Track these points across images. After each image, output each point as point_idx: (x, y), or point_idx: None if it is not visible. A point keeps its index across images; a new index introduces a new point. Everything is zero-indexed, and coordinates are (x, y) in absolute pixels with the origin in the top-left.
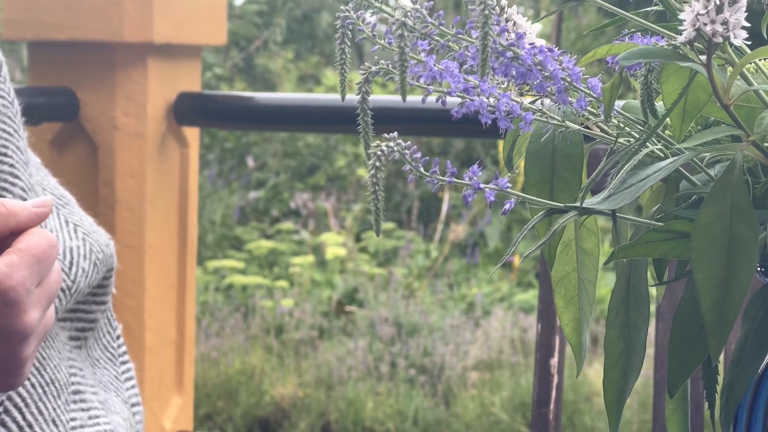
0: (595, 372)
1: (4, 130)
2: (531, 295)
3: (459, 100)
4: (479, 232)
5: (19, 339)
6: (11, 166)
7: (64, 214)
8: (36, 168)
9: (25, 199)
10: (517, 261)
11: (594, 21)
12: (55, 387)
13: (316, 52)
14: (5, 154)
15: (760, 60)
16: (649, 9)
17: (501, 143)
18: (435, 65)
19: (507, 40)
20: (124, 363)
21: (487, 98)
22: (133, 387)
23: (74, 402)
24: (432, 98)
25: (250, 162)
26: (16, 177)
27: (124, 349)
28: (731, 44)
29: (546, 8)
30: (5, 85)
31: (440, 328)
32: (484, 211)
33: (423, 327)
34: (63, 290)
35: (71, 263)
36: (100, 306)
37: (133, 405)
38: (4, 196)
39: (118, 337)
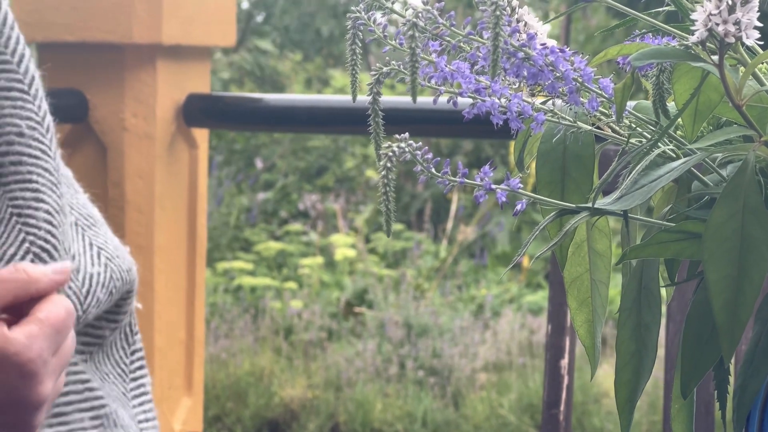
0: (604, 373)
1: (29, 155)
2: (540, 297)
3: (470, 100)
4: (488, 234)
5: (33, 408)
6: (35, 191)
7: (89, 236)
8: (67, 186)
9: (50, 222)
10: (526, 262)
11: (603, 22)
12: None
13: (324, 54)
14: (30, 180)
15: None
16: (660, 9)
17: (511, 143)
18: (446, 66)
19: (518, 40)
20: (135, 380)
21: (499, 99)
22: (141, 404)
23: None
24: (443, 99)
25: (259, 163)
26: (41, 201)
27: (138, 364)
28: (743, 44)
29: (555, 9)
30: (34, 104)
31: (449, 330)
32: (493, 212)
33: (432, 328)
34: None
35: (88, 292)
36: (111, 324)
37: (139, 422)
38: (29, 222)
39: (133, 353)
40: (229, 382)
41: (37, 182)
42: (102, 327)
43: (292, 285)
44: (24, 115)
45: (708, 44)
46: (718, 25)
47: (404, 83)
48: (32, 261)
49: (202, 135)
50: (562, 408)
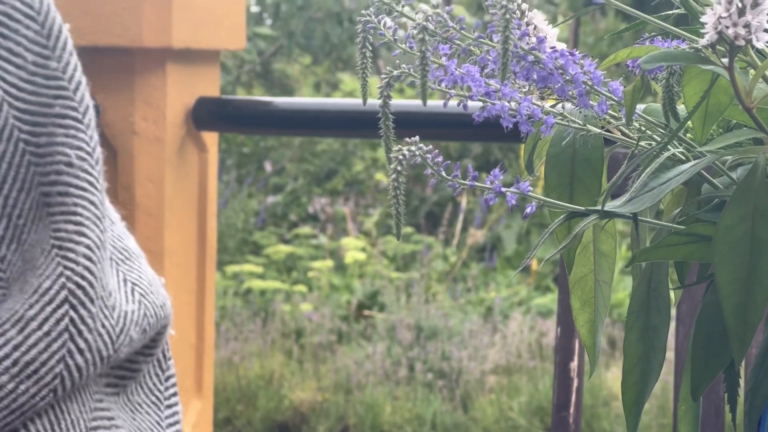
0: (612, 376)
1: (77, 186)
2: (549, 299)
3: (480, 104)
4: (497, 236)
5: None
6: (77, 224)
7: (123, 270)
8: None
9: (89, 258)
10: (535, 265)
11: (612, 25)
12: None
13: (333, 57)
14: (74, 213)
15: None
16: (670, 12)
17: (521, 147)
18: (456, 69)
19: (528, 44)
20: (170, 407)
21: (509, 102)
22: None
23: None
24: (453, 102)
25: (268, 167)
26: (82, 235)
27: (173, 390)
28: (753, 47)
29: (563, 13)
30: (87, 134)
31: (459, 333)
32: (502, 215)
33: (442, 331)
34: (102, 358)
35: (121, 331)
36: (147, 358)
37: None
38: (68, 257)
39: (167, 378)
40: (239, 385)
41: (81, 215)
42: (138, 361)
43: (301, 288)
44: (75, 144)
45: (718, 47)
46: (728, 28)
47: (414, 87)
48: (66, 297)
49: (211, 138)
50: (571, 410)
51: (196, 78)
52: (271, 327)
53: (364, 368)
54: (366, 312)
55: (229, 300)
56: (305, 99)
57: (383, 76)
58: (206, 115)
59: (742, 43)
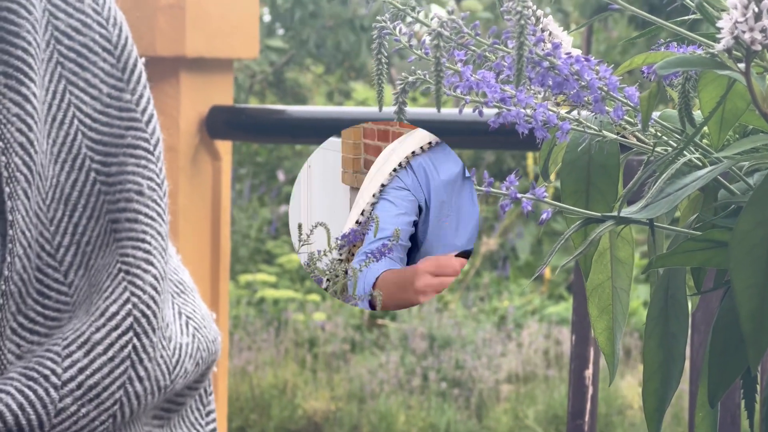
0: (627, 384)
1: (146, 215)
2: (562, 308)
3: (495, 110)
4: (510, 245)
5: None
6: (147, 252)
7: (178, 303)
8: None
9: (155, 288)
10: (548, 274)
11: (624, 33)
12: None
13: (346, 66)
14: (143, 240)
15: None
16: (685, 18)
17: (529, 155)
18: (471, 75)
19: (543, 50)
20: None
21: (524, 108)
22: None
23: None
24: (468, 109)
25: (281, 176)
26: (150, 264)
27: (212, 426)
28: None
29: (576, 21)
30: (157, 165)
31: (472, 341)
32: (514, 223)
33: (455, 340)
34: (159, 388)
35: (177, 363)
36: (193, 392)
37: None
38: (135, 283)
39: (208, 414)
40: (253, 395)
41: (149, 243)
42: (185, 395)
43: (314, 297)
44: (146, 174)
45: (734, 52)
46: (744, 32)
47: (427, 95)
48: (132, 324)
49: (225, 147)
50: (586, 419)
51: (210, 87)
52: (285, 336)
53: (377, 377)
54: (379, 321)
55: (242, 309)
56: (318, 107)
57: (398, 82)
58: (219, 123)
59: (759, 47)
